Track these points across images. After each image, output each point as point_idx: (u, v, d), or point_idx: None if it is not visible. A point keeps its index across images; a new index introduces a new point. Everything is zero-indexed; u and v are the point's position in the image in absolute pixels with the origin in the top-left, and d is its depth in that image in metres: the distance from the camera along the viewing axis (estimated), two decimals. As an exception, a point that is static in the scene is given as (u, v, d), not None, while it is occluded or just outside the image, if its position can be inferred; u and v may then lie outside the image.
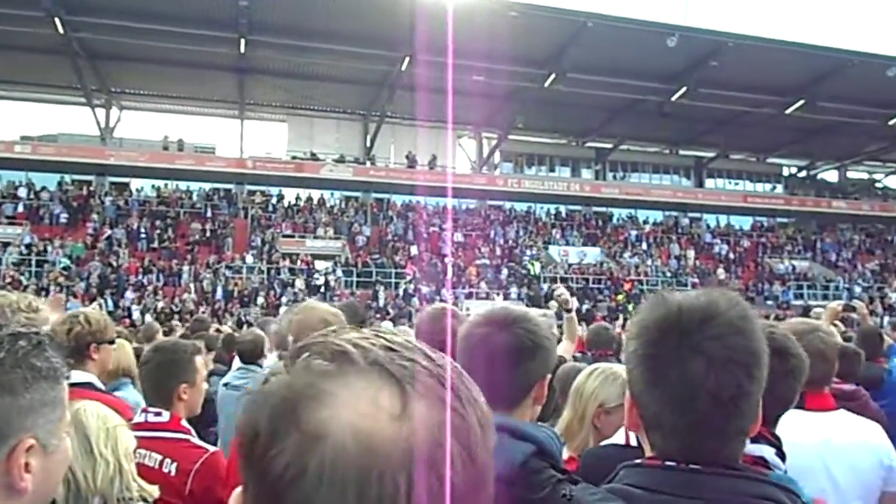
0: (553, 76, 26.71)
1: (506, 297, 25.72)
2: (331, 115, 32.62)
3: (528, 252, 29.93)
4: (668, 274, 30.45)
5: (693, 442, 1.02)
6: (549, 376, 1.59)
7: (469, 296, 25.74)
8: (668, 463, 1.02)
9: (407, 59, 25.36)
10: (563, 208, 34.10)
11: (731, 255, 33.21)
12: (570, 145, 35.97)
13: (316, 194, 31.09)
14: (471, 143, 34.83)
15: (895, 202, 38.50)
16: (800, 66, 26.94)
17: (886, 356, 5.32)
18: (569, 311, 4.12)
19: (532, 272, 28.27)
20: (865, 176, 41.24)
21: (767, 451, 1.63)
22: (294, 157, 30.62)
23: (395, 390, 0.53)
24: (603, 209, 34.45)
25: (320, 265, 26.88)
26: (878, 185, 40.81)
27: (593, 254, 31.03)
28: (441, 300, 24.49)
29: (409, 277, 26.43)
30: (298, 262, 26.28)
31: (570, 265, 29.76)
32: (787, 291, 30.18)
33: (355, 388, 0.53)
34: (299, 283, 24.75)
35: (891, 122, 30.80)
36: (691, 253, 32.44)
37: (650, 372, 1.06)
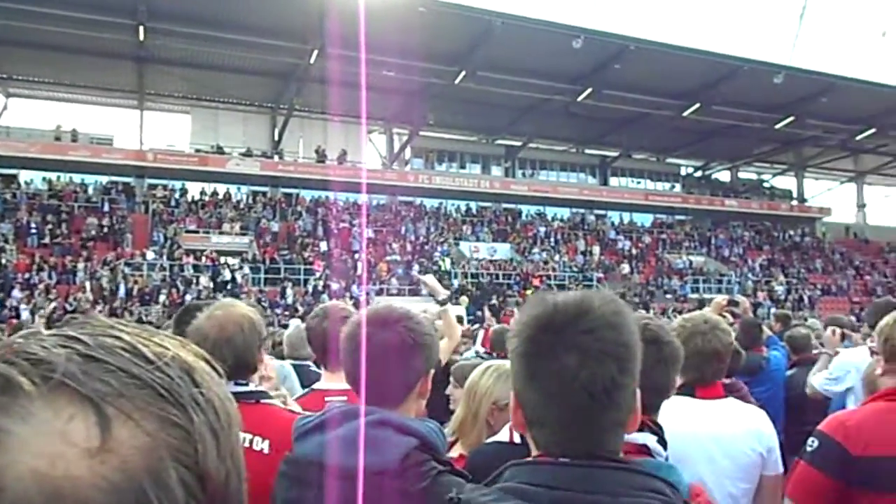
0: (463, 73, 26.96)
1: (416, 294, 25.79)
2: (237, 108, 31.72)
3: (439, 248, 30.12)
4: (575, 269, 31.32)
5: (573, 436, 1.05)
6: (432, 372, 1.63)
7: (380, 292, 25.65)
8: (562, 459, 1.03)
9: (316, 52, 24.98)
10: (473, 205, 34.50)
11: (634, 251, 34.46)
12: (480, 142, 36.44)
13: (221, 189, 30.14)
14: (381, 138, 34.70)
15: (781, 201, 41.10)
16: (695, 70, 28.27)
17: (766, 346, 5.68)
18: (441, 302, 3.83)
19: (443, 268, 28.44)
20: (755, 176, 43.70)
21: (650, 439, 1.70)
22: (198, 150, 29.59)
23: (91, 416, 0.42)
24: (512, 206, 35.06)
25: (226, 262, 26.12)
26: (766, 184, 43.32)
27: (503, 250, 31.54)
28: (352, 297, 24.34)
29: (318, 274, 26.08)
30: (203, 259, 25.44)
31: (480, 261, 30.15)
32: (685, 285, 31.58)
33: (35, 421, 0.42)
34: (204, 280, 23.96)
35: (777, 126, 32.81)
36: (597, 249, 33.45)
37: (528, 368, 1.08)
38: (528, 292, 27.81)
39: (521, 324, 1.11)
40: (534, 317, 1.09)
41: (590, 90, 28.63)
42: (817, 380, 4.66)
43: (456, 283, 27.10)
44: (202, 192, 29.78)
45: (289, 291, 24.56)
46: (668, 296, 30.07)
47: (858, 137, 34.93)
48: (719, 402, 2.43)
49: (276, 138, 31.29)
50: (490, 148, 36.38)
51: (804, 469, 2.17)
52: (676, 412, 2.34)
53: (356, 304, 22.30)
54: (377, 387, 1.53)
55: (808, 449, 2.17)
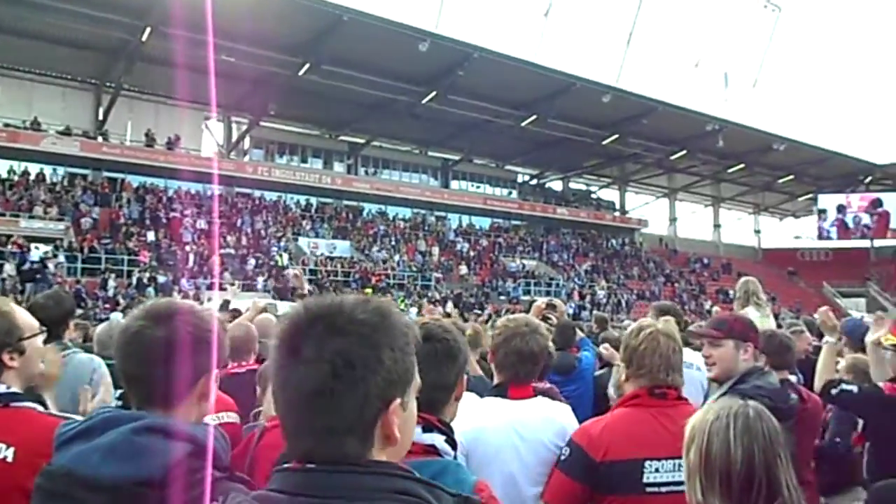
0: (308, 66, 26.43)
1: (251, 289, 24.94)
2: (56, 81, 28.91)
3: (277, 243, 29.32)
4: (414, 269, 31.73)
5: (303, 441, 1.02)
6: (216, 371, 1.52)
7: (211, 286, 24.50)
8: (308, 465, 1.01)
9: (149, 30, 23.40)
10: (314, 200, 33.91)
11: (472, 253, 35.52)
12: (323, 137, 35.90)
13: (34, 168, 27.35)
14: (219, 126, 33.17)
15: (606, 212, 44.22)
16: (534, 84, 29.66)
17: (579, 347, 6.05)
18: (302, 295, 3.89)
19: (280, 263, 27.73)
20: (584, 187, 46.64)
21: (437, 439, 1.73)
22: (7, 125, 26.64)
23: None
24: (354, 203, 34.87)
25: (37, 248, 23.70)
26: (593, 195, 46.41)
27: (343, 247, 31.27)
28: (180, 290, 23.05)
29: (143, 265, 24.44)
30: (9, 245, 22.94)
31: (319, 257, 29.71)
32: (518, 287, 32.98)
33: None
34: (9, 267, 21.61)
35: (604, 142, 35.24)
36: (436, 250, 34.09)
37: (272, 372, 1.06)
38: (367, 291, 27.82)
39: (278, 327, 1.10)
40: (286, 319, 1.07)
41: (434, 93, 29.16)
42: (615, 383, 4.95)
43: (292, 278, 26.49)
44: (11, 171, 26.88)
45: (110, 283, 22.80)
46: (502, 297, 31.25)
47: (672, 157, 38.41)
48: (529, 401, 2.54)
49: (101, 118, 28.92)
50: (333, 143, 35.96)
51: (557, 476, 2.31)
52: (488, 412, 2.48)
53: (185, 299, 21.25)
54: (149, 387, 1.42)
55: (562, 457, 2.31)
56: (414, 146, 38.35)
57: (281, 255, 28.24)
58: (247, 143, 33.33)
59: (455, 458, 1.78)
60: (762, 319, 5.12)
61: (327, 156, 35.74)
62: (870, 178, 44.61)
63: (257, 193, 31.87)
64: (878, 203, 43.26)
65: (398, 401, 1.05)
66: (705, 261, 44.50)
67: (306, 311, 1.05)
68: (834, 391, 3.28)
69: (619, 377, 2.75)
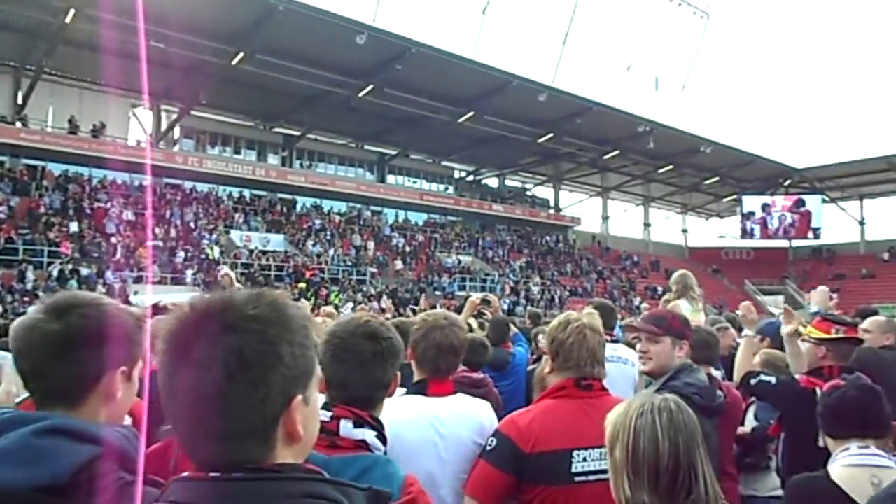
0: (242, 55, 25.80)
1: (180, 282, 24.27)
2: (-31, 63, 27.44)
3: (208, 235, 28.59)
4: (349, 263, 31.49)
5: (200, 447, 0.96)
6: (124, 369, 1.41)
7: (139, 280, 23.73)
8: (211, 474, 0.94)
9: (73, 12, 22.40)
10: (247, 192, 33.20)
11: (408, 248, 35.48)
12: (257, 128, 35.18)
13: (-56, 154, 25.87)
14: (147, 114, 32.08)
15: (541, 209, 44.91)
16: (471, 80, 29.80)
17: (513, 342, 6.12)
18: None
19: (211, 256, 27.06)
20: (519, 184, 47.25)
21: (368, 435, 1.74)
22: (-86, 107, 25.13)
23: None
24: (288, 196, 34.31)
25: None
26: (528, 193, 47.07)
27: (276, 240, 30.76)
28: (105, 284, 22.23)
29: (65, 257, 23.44)
30: (-83, 235, 21.66)
31: (251, 251, 29.13)
32: (453, 283, 33.15)
33: None
34: (-87, 259, 20.43)
35: (539, 141, 35.74)
36: (371, 244, 33.91)
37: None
38: (301, 285, 27.44)
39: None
40: (172, 319, 1.00)
41: (371, 87, 28.94)
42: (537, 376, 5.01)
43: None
44: (-81, 157, 25.37)
45: (29, 275, 21.78)
46: (438, 292, 31.34)
47: (605, 157, 39.29)
48: (448, 398, 2.56)
49: (20, 102, 27.56)
50: (267, 135, 35.29)
51: (483, 467, 2.32)
52: (408, 409, 2.49)
53: (109, 293, 20.47)
54: (46, 385, 1.34)
55: (488, 448, 2.33)
56: (350, 140, 38.01)
57: (212, 248, 27.56)
58: (177, 132, 32.36)
59: (385, 453, 1.79)
60: (694, 313, 5.29)
61: (261, 147, 35.05)
62: (789, 181, 46.71)
63: (188, 185, 30.96)
64: (801, 203, 45.37)
65: (299, 397, 1.01)
66: (635, 258, 45.74)
67: (194, 310, 0.99)
68: (753, 381, 3.41)
69: (542, 369, 2.78)
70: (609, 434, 1.61)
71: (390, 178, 39.02)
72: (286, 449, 1.00)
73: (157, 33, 21.75)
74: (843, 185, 46.20)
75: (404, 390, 2.66)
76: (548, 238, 43.48)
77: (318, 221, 33.72)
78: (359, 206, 36.56)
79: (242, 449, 0.96)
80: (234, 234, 29.80)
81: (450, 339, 2.55)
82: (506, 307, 30.22)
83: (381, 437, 1.78)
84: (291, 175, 33.79)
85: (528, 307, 27.48)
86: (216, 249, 27.65)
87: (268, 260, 28.87)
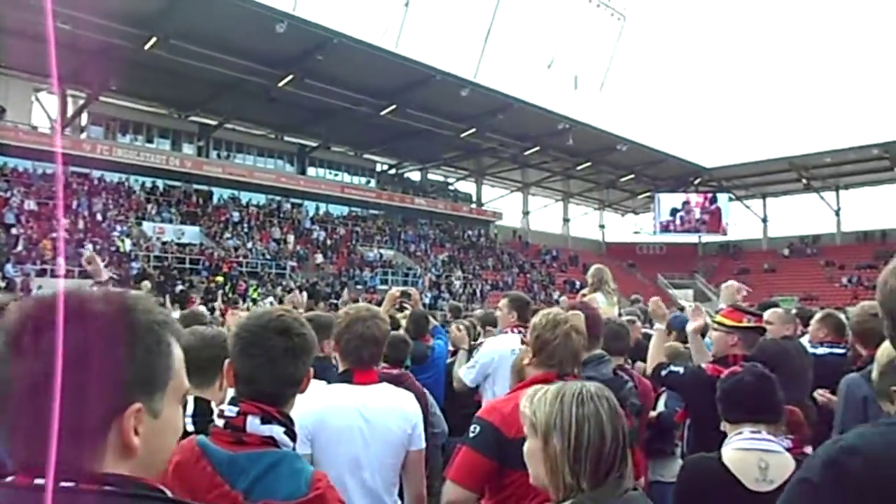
0: (155, 39, 24.79)
1: (88, 276, 23.12)
2: None
3: (118, 227, 27.39)
4: (268, 257, 30.86)
5: (25, 450, 0.87)
6: None
7: (42, 273, 22.55)
8: (36, 482, 0.85)
9: (-32, -12, 20.99)
10: (160, 183, 32.01)
11: (329, 242, 35.08)
12: (171, 117, 33.90)
13: None
14: (53, 99, 30.40)
15: (463, 203, 45.24)
16: (393, 73, 29.63)
17: (432, 335, 6.15)
18: (100, 283, 3.47)
19: (122, 249, 25.95)
20: (442, 179, 47.45)
21: (276, 431, 1.70)
22: None
23: None
24: (204, 187, 33.28)
25: None
26: (451, 187, 47.33)
27: (192, 233, 29.81)
28: (4, 277, 20.99)
29: (-42, 250, 22.02)
30: None
31: (165, 244, 28.12)
32: (375, 277, 33.00)
33: None
34: None
35: (462, 136, 35.96)
36: (291, 237, 33.35)
37: None
38: (218, 279, 26.70)
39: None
40: (10, 314, 0.92)
41: (291, 77, 28.36)
42: (462, 371, 4.97)
43: (136, 266, 24.93)
44: None
45: (-84, 268, 20.36)
46: (359, 286, 31.13)
47: (526, 153, 39.92)
48: (374, 386, 2.64)
49: None
50: (182, 124, 34.08)
51: (466, 452, 2.37)
52: (334, 397, 2.57)
53: (9, 287, 19.31)
54: None
55: (471, 434, 2.38)
56: (269, 130, 37.16)
57: (122, 241, 26.43)
58: (84, 119, 30.83)
59: (294, 449, 1.77)
60: (608, 306, 5.43)
61: (175, 136, 33.81)
62: (699, 180, 48.78)
63: (97, 174, 29.53)
64: (713, 200, 47.47)
65: (136, 405, 0.91)
66: (555, 253, 46.74)
67: (37, 301, 0.92)
68: (663, 372, 3.55)
69: (520, 359, 2.84)
70: (542, 423, 1.61)
71: (311, 171, 38.39)
72: (120, 462, 0.91)
73: (64, 14, 20.63)
74: (748, 184, 48.64)
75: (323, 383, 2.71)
76: (470, 232, 43.85)
77: (235, 214, 32.88)
78: (278, 198, 35.85)
79: (71, 454, 0.87)
80: (147, 226, 28.71)
81: (372, 330, 2.63)
82: (427, 301, 30.36)
83: (290, 434, 1.75)
84: (208, 166, 32.78)
85: (450, 301, 27.64)
86: (127, 242, 26.55)
87: (182, 253, 27.94)
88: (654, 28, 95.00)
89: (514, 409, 2.39)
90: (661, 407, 4.46)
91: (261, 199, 35.32)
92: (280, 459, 1.65)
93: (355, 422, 2.52)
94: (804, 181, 45.81)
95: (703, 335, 3.94)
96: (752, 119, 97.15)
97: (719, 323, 3.53)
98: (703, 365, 3.48)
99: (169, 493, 0.93)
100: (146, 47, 25.12)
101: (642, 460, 4.05)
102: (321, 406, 2.53)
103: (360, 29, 36.37)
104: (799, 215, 49.90)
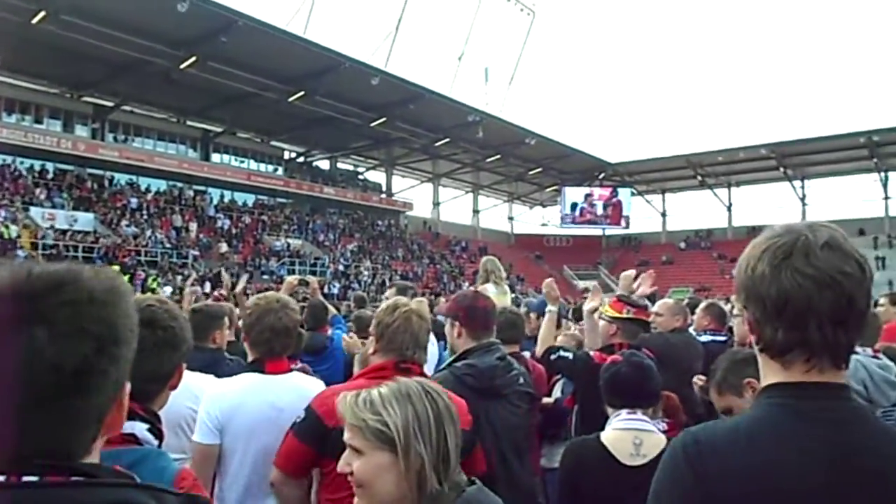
0: (43, 14, 23.27)
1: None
2: None
3: (2, 212, 25.62)
4: (169, 245, 29.68)
5: (36, 430, 0.83)
6: None
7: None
8: (25, 479, 0.80)
9: None
10: (50, 166, 30.16)
11: (234, 230, 34.11)
12: (63, 97, 31.93)
13: None
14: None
15: (373, 193, 44.94)
16: (302, 58, 28.99)
17: (331, 325, 6.05)
18: None
19: (6, 236, 24.33)
20: (351, 168, 46.96)
21: (138, 428, 1.62)
22: None
23: None
24: (100, 172, 31.63)
25: None
26: (360, 176, 46.92)
27: (85, 220, 28.24)
28: None
29: None
30: None
31: (56, 231, 26.52)
32: (282, 267, 32.33)
33: None
34: None
35: (372, 125, 35.67)
36: (194, 225, 32.23)
37: None
38: (114, 268, 25.42)
39: None
40: (6, 284, 0.88)
41: (194, 59, 27.27)
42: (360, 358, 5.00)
43: (22, 253, 23.42)
44: None
45: None
46: (266, 276, 30.45)
47: (437, 144, 40.04)
48: (285, 376, 2.67)
49: None
50: (75, 104, 32.17)
51: (290, 440, 2.36)
52: (245, 387, 2.58)
53: None
54: None
55: (297, 421, 2.37)
56: (171, 114, 35.63)
57: (7, 227, 24.77)
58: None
59: (159, 447, 1.69)
60: (499, 296, 5.50)
61: (68, 118, 31.87)
62: (603, 175, 50.41)
63: (-23, 155, 27.49)
64: (614, 194, 49.13)
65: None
66: (464, 244, 47.19)
67: (41, 274, 0.88)
68: (552, 357, 3.62)
69: (367, 350, 2.82)
70: (401, 432, 1.42)
71: (215, 157, 37.08)
72: (96, 446, 0.90)
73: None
74: (649, 179, 50.71)
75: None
76: (379, 222, 43.65)
77: (133, 200, 31.45)
78: (180, 184, 34.52)
79: (81, 436, 0.88)
80: (35, 212, 26.99)
81: (283, 321, 2.65)
82: (336, 291, 30.04)
83: (154, 431, 1.67)
84: (103, 149, 31.15)
85: (359, 291, 27.43)
86: (13, 228, 24.90)
87: (75, 240, 26.46)
88: (562, 25, 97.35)
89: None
90: (556, 393, 4.54)
91: (161, 185, 33.93)
92: (142, 457, 1.57)
93: (268, 412, 2.53)
94: (699, 178, 48.17)
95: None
96: (654, 117, 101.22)
97: (604, 312, 3.65)
98: (591, 352, 3.58)
99: (137, 479, 0.89)
100: (34, 21, 23.55)
101: (538, 448, 4.14)
102: (233, 397, 2.54)
103: (268, 12, 35.34)
104: (694, 210, 52.47)
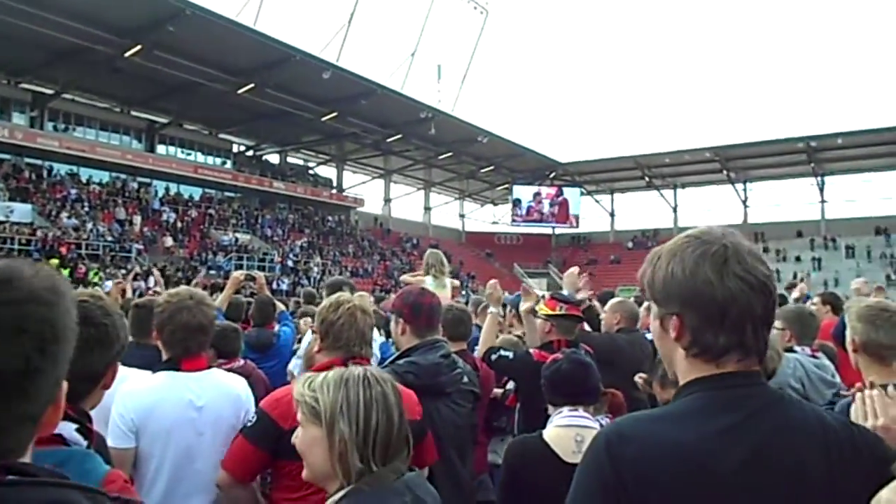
0: (-23, -5, 22.36)
1: None
2: None
3: (-68, 202, 24.54)
4: (111, 239, 28.84)
5: None
6: None
7: None
8: None
9: None
10: (-15, 155, 29.01)
11: (179, 224, 33.34)
12: (0, 83, 30.70)
13: None
14: None
15: (323, 188, 44.49)
16: (252, 50, 28.49)
17: (278, 321, 5.97)
18: None
19: (-64, 227, 23.30)
20: (302, 162, 46.39)
21: (66, 428, 1.57)
22: None
23: None
24: (38, 161, 30.51)
25: None
26: (311, 171, 46.38)
27: (23, 211, 27.17)
28: None
29: None
30: None
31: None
32: (230, 262, 31.71)
33: None
34: None
35: (323, 119, 35.33)
36: (138, 218, 31.39)
37: None
38: (53, 261, 24.58)
39: None
40: None
41: (139, 47, 26.54)
42: (292, 363, 4.90)
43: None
44: None
45: None
46: (213, 271, 29.86)
47: (388, 140, 39.87)
48: (203, 373, 2.55)
49: None
50: (12, 91, 30.89)
51: (240, 442, 2.30)
52: (162, 386, 2.47)
53: None
54: None
55: (248, 424, 2.32)
56: (115, 103, 34.56)
57: (-64, 218, 23.72)
58: None
59: (89, 447, 1.64)
60: (437, 289, 5.52)
61: (5, 105, 30.55)
62: (554, 174, 50.99)
63: None
64: (560, 192, 49.74)
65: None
66: (415, 241, 47.14)
67: None
68: (493, 357, 3.66)
69: (311, 348, 2.80)
70: (328, 409, 1.55)
71: (161, 149, 36.10)
72: (30, 446, 0.88)
73: None
74: (598, 179, 51.53)
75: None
76: (330, 218, 43.27)
77: (74, 191, 30.45)
78: (124, 176, 33.55)
79: (17, 436, 0.86)
80: (-33, 202, 25.88)
81: (198, 318, 2.51)
82: (285, 287, 29.66)
83: (84, 431, 1.62)
84: (42, 138, 30.02)
85: (308, 287, 27.12)
86: (-58, 219, 23.86)
87: (11, 232, 25.46)
88: (516, 25, 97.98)
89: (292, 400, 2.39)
90: (511, 385, 4.58)
91: (104, 176, 32.94)
92: (67, 458, 1.51)
93: (185, 411, 2.43)
94: (647, 179, 49.19)
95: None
96: (604, 118, 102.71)
97: (540, 310, 3.71)
98: (532, 350, 3.63)
99: (71, 479, 0.87)
100: (-33, 3, 22.58)
101: (484, 444, 4.17)
102: (148, 397, 2.43)
103: (217, 2, 34.54)
104: (642, 211, 53.52)
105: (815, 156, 42.94)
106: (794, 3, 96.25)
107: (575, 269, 5.17)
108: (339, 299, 2.56)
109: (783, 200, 48.52)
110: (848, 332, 2.43)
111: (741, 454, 1.08)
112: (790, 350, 3.35)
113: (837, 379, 3.48)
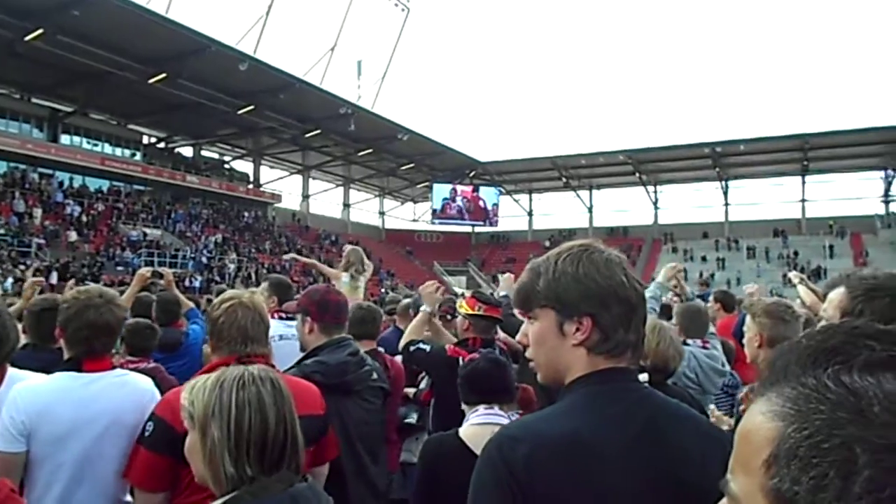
0: None
1: None
2: None
3: None
4: (10, 233, 27.23)
5: None
6: None
7: None
8: None
9: None
10: None
11: (84, 218, 31.83)
12: None
13: None
14: None
15: (239, 183, 43.41)
16: (163, 39, 27.45)
17: (187, 318, 5.77)
18: None
19: None
20: (217, 156, 45.10)
21: None
22: None
23: None
24: (-73, 150, 28.51)
25: None
26: (226, 165, 45.17)
27: None
28: None
29: None
30: None
31: None
32: (138, 258, 30.50)
33: None
34: None
35: (239, 112, 34.45)
36: (39, 211, 29.79)
37: None
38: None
39: None
40: None
41: (41, 31, 25.15)
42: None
43: None
44: None
45: None
46: (120, 268, 28.68)
47: (307, 135, 39.30)
48: (105, 374, 2.43)
49: None
50: None
51: (142, 453, 2.19)
52: (59, 388, 2.34)
53: None
54: None
55: (145, 434, 2.20)
56: (14, 90, 32.64)
57: None
58: None
59: None
60: (350, 290, 5.49)
61: None
62: (473, 173, 51.53)
63: None
64: (475, 190, 50.35)
65: None
66: (335, 238, 46.61)
67: None
68: (411, 349, 3.69)
69: (207, 349, 2.71)
70: (200, 413, 1.47)
71: (64, 138, 34.30)
72: None
73: None
74: (517, 179, 52.45)
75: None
76: (246, 214, 42.26)
77: (-33, 182, 28.56)
78: (23, 166, 31.74)
79: None
80: None
81: (105, 317, 2.40)
82: (198, 285, 28.77)
83: None
84: (-68, 125, 28.05)
85: (222, 285, 26.44)
86: None
87: None
88: (437, 23, 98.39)
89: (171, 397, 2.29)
90: (423, 384, 4.59)
91: (1, 167, 31.04)
92: None
93: (84, 414, 2.30)
94: (564, 179, 50.41)
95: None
96: (523, 119, 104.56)
97: (460, 308, 3.76)
98: (446, 346, 3.66)
99: None
100: None
101: (397, 442, 4.17)
102: (42, 398, 2.29)
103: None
104: (559, 211, 54.84)
105: (720, 161, 45.20)
106: (703, 12, 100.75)
107: (510, 275, 5.25)
108: (223, 297, 2.46)
109: (690, 203, 50.90)
110: (752, 329, 2.59)
111: (630, 433, 1.18)
112: (684, 343, 3.53)
113: (728, 368, 3.66)
